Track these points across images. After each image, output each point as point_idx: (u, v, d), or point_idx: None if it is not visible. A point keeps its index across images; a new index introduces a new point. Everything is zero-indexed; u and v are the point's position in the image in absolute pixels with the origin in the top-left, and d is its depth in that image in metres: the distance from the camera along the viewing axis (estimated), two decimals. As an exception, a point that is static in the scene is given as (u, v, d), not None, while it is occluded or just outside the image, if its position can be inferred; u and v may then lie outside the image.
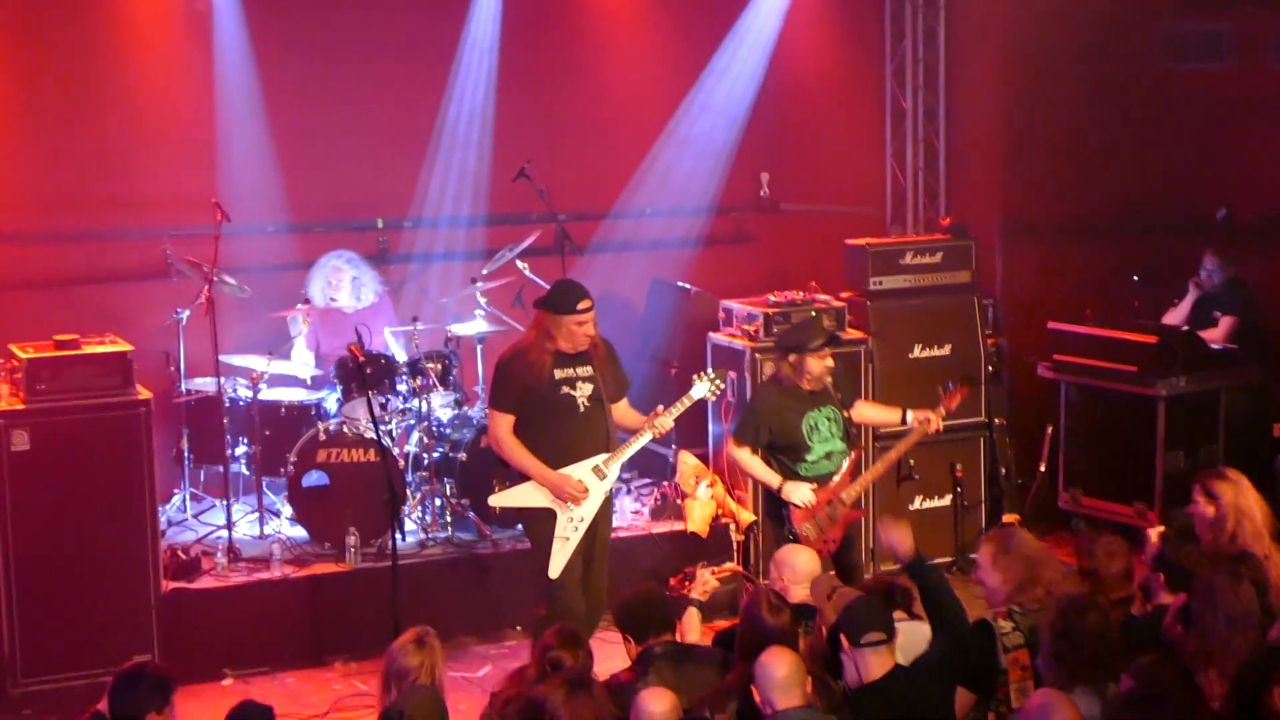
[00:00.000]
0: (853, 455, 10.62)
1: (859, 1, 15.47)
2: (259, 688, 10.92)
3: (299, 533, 12.19)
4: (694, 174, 14.72)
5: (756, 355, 12.58)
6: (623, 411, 10.34)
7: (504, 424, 10.07)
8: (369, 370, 11.94)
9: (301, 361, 12.89)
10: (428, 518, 12.41)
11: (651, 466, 13.55)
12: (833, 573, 10.59)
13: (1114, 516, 13.28)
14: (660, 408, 10.27)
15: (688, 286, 14.05)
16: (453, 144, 14.02)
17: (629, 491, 13.40)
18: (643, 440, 10.27)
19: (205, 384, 12.44)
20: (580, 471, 10.05)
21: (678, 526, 12.63)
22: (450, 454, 12.39)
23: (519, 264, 13.07)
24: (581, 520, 10.06)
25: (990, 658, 8.10)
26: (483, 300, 13.03)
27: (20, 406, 10.92)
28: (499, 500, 10.49)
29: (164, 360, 12.54)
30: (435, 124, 13.97)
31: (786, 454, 10.56)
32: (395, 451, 12.26)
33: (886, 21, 15.36)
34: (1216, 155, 15.09)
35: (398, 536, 10.62)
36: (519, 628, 11.92)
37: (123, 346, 11.27)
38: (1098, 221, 15.29)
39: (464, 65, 14.00)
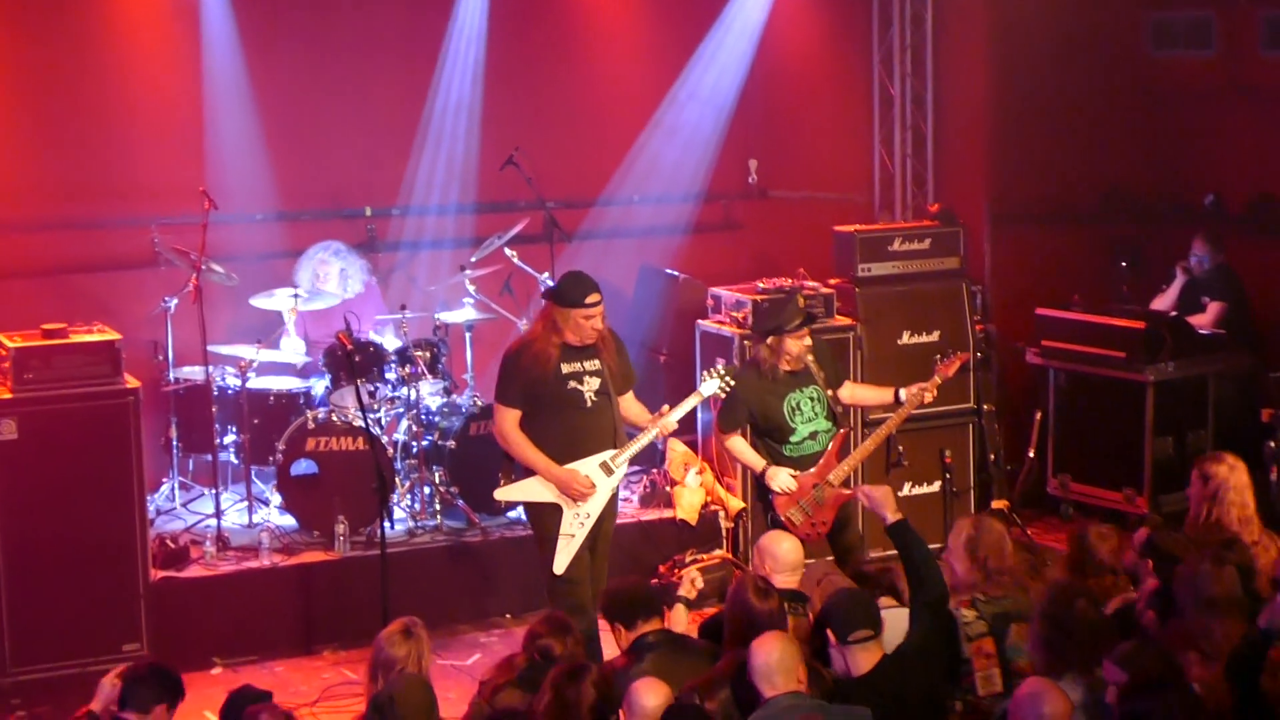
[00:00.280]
0: (839, 435, 10.57)
1: (847, -12, 15.50)
2: (248, 676, 10.87)
3: (288, 521, 12.17)
4: (682, 161, 14.71)
5: (745, 342, 12.57)
6: (627, 404, 10.23)
7: (510, 419, 9.94)
8: (357, 358, 11.93)
9: (292, 349, 12.86)
10: (417, 506, 12.41)
11: (641, 454, 13.47)
12: (831, 558, 10.63)
13: (1103, 502, 13.32)
14: (666, 407, 10.18)
15: (676, 274, 14.06)
16: (441, 132, 14.00)
17: (618, 478, 13.40)
18: (648, 437, 10.17)
19: (193, 373, 12.43)
20: (588, 467, 9.92)
21: (667, 514, 12.64)
22: (439, 442, 12.38)
23: (507, 252, 13.07)
24: (588, 516, 9.93)
25: (953, 648, 8.14)
26: (471, 288, 13.02)
27: (8, 396, 10.90)
28: (504, 494, 10.45)
29: (152, 349, 12.53)
30: (423, 112, 13.95)
31: (771, 436, 10.53)
32: (384, 439, 12.25)
33: (874, 8, 15.36)
34: (1204, 142, 15.15)
35: (387, 524, 10.64)
36: (508, 615, 11.95)
37: (111, 335, 11.26)
38: (1086, 207, 15.32)
39: (452, 53, 13.97)
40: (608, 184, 14.55)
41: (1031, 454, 13.54)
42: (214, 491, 12.14)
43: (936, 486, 13.01)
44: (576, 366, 9.90)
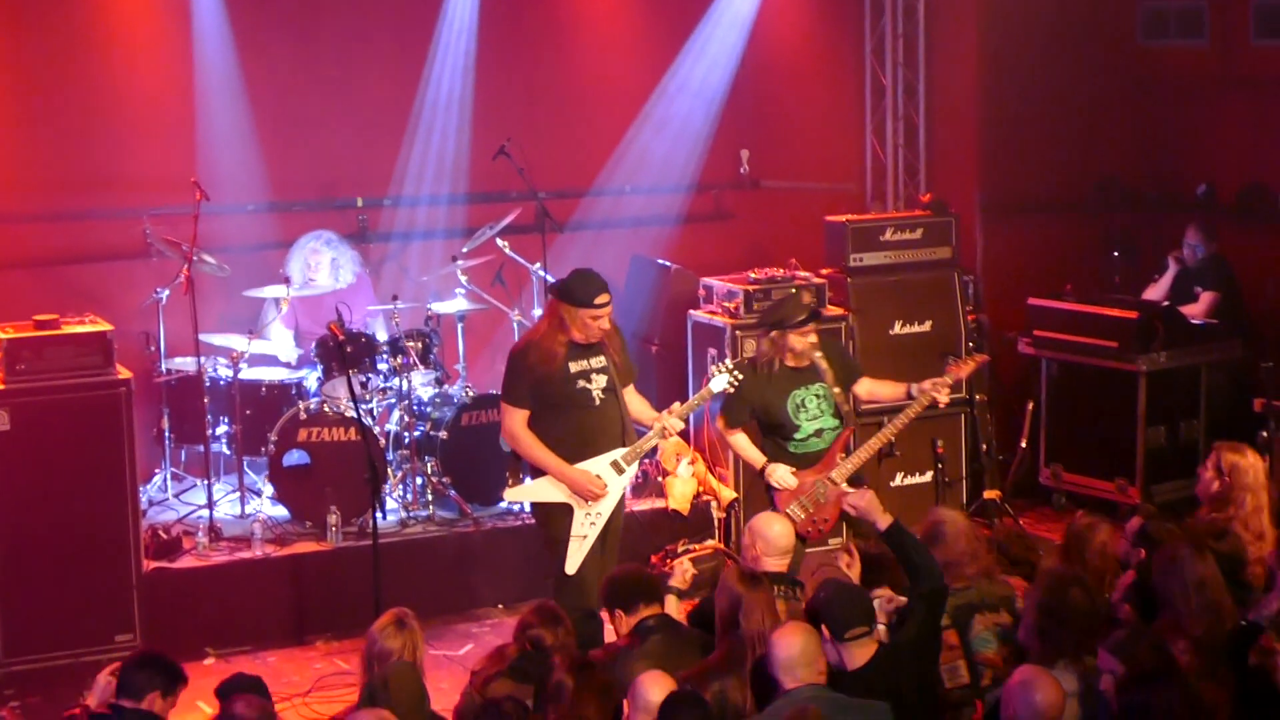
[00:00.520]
0: (844, 433, 10.42)
1: (838, -22, 15.49)
2: (240, 667, 10.88)
3: (280, 512, 12.17)
4: (674, 151, 14.70)
5: (737, 332, 12.59)
6: (629, 399, 10.13)
7: (519, 419, 9.83)
8: (349, 349, 11.93)
9: (280, 342, 12.86)
10: (409, 496, 12.41)
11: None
12: (829, 547, 10.60)
13: (1095, 492, 13.33)
14: (677, 404, 10.13)
15: (668, 264, 14.04)
16: (432, 122, 13.98)
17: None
18: (655, 438, 10.10)
19: (185, 363, 12.42)
20: (599, 466, 9.84)
21: (659, 504, 12.64)
22: (431, 432, 12.38)
23: (499, 242, 13.06)
24: (599, 515, 9.85)
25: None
26: (463, 278, 13.02)
27: (0, 387, 10.90)
28: (514, 495, 10.43)
29: (144, 340, 12.53)
30: (415, 102, 13.93)
31: (775, 433, 10.40)
32: (376, 430, 12.25)
33: (866, -2, 15.38)
34: (1196, 131, 15.16)
35: (379, 515, 10.64)
36: (500, 606, 11.96)
37: (103, 326, 11.25)
38: (1078, 197, 15.32)
39: (443, 44, 13.95)
40: (599, 174, 14.53)
41: (1024, 444, 13.55)
42: (206, 482, 12.14)
43: (929, 477, 13.04)
44: (584, 365, 9.81)
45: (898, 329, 13.17)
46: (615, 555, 10.11)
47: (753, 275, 12.97)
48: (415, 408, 12.46)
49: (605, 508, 9.87)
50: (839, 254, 13.28)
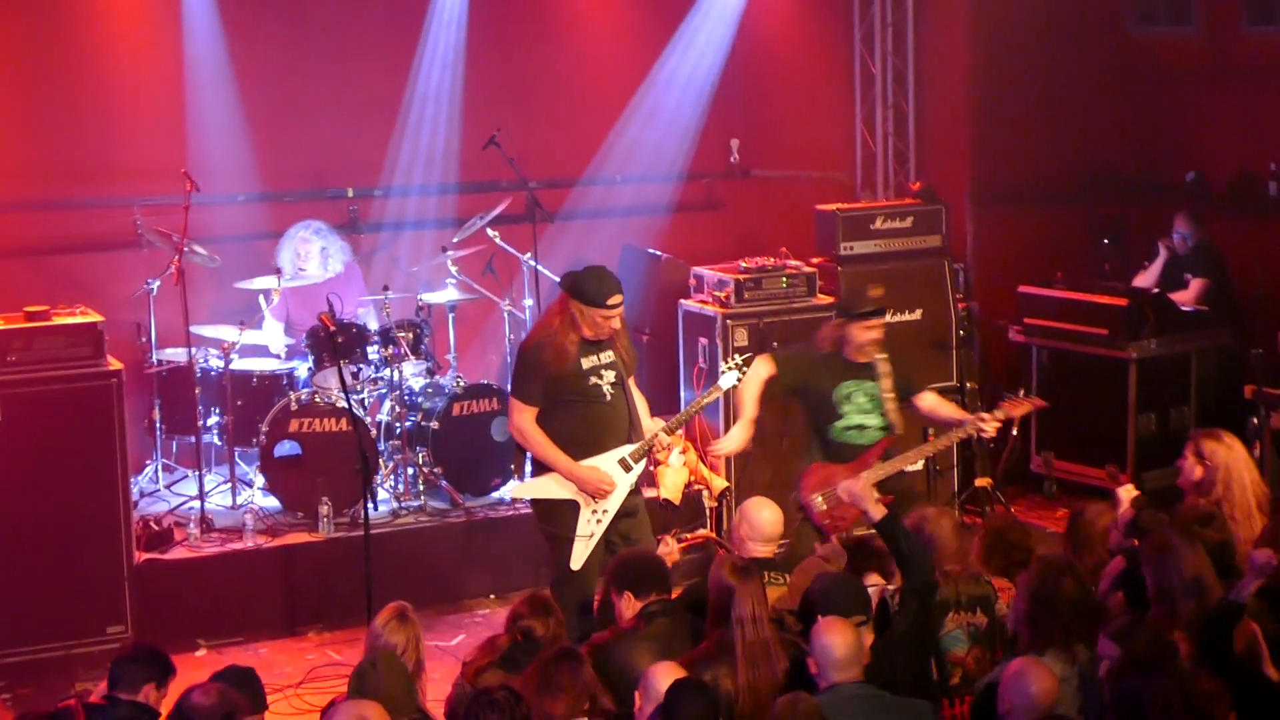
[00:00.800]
0: (885, 440, 10.32)
1: (827, -34, 15.49)
2: (233, 658, 10.84)
3: (271, 503, 12.17)
4: (664, 141, 14.70)
5: (728, 321, 12.59)
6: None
7: (528, 415, 9.73)
8: (340, 339, 11.93)
9: (271, 334, 12.86)
10: (400, 487, 12.41)
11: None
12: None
13: (1086, 479, 13.34)
14: (688, 405, 10.08)
15: (658, 253, 14.05)
16: (423, 113, 13.98)
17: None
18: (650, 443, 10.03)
19: (176, 354, 12.41)
20: (607, 464, 9.75)
21: (650, 494, 12.61)
22: (423, 423, 12.38)
23: (490, 232, 13.07)
24: (605, 513, 9.74)
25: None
26: (454, 269, 13.02)
27: (-10, 378, 10.91)
28: (520, 491, 10.40)
29: (135, 331, 12.52)
30: (405, 93, 13.93)
31: (815, 418, 10.37)
32: (367, 420, 12.26)
33: (855, -14, 15.38)
34: (1185, 119, 15.19)
35: (370, 506, 10.61)
36: (492, 596, 11.97)
37: (93, 317, 11.24)
38: (1068, 184, 15.34)
39: (434, 34, 13.95)
40: (590, 164, 14.54)
41: (1014, 432, 13.54)
42: (197, 473, 12.14)
43: (920, 465, 13.02)
44: (594, 360, 9.73)
45: (888, 317, 13.13)
46: (649, 536, 9.97)
47: (743, 264, 12.96)
48: (406, 398, 12.46)
49: (612, 505, 9.77)
50: (829, 243, 13.29)
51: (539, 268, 13.11)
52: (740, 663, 7.67)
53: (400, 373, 12.38)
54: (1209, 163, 14.92)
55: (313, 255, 13.01)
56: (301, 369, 12.45)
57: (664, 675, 7.23)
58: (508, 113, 13.72)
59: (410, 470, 12.43)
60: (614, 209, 14.69)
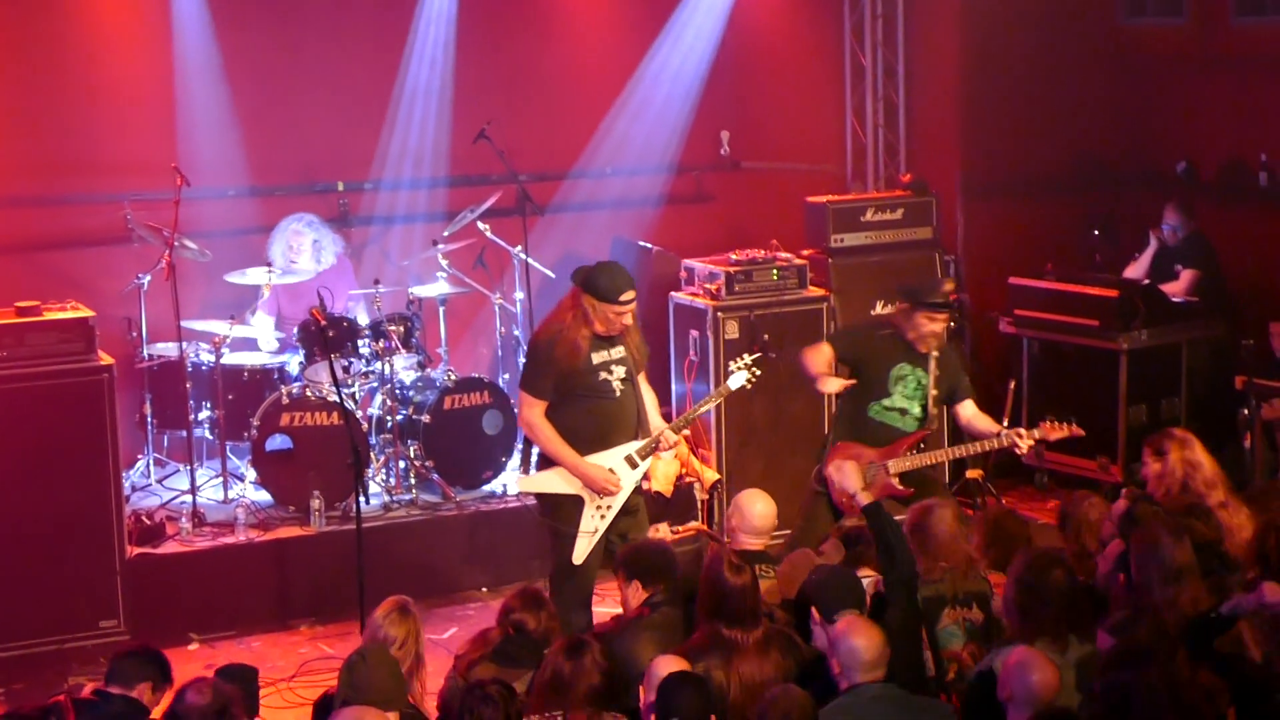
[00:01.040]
0: (920, 432, 10.38)
1: (817, -42, 15.48)
2: (225, 652, 10.94)
3: (263, 497, 12.18)
4: (654, 133, 14.67)
5: (719, 314, 12.60)
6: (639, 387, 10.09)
7: (538, 409, 9.71)
8: (331, 333, 11.93)
9: (262, 328, 12.86)
10: (392, 480, 12.42)
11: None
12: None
13: (1077, 470, 13.36)
14: (697, 404, 10.05)
15: (649, 246, 14.05)
16: (413, 106, 13.95)
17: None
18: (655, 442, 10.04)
19: (167, 349, 12.40)
20: (613, 460, 9.75)
21: (641, 486, 12.62)
22: (414, 416, 12.39)
23: (480, 225, 13.07)
24: (609, 509, 9.75)
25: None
26: (444, 262, 13.02)
27: (-18, 373, 10.90)
28: (525, 485, 10.39)
29: (126, 326, 12.51)
30: (395, 86, 13.89)
31: (863, 392, 10.38)
32: (358, 414, 12.25)
33: (845, -22, 15.38)
34: (1176, 110, 15.19)
35: (362, 499, 10.62)
36: (484, 589, 11.98)
37: (84, 312, 11.25)
38: (1058, 176, 15.34)
39: (423, 27, 13.92)
40: (580, 157, 14.51)
41: (1005, 423, 13.52)
42: (189, 468, 12.15)
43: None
44: (605, 355, 9.73)
45: (879, 309, 13.19)
46: (644, 532, 9.99)
47: (734, 257, 12.98)
48: (398, 391, 12.47)
49: (616, 502, 9.78)
50: (820, 235, 13.31)
51: (530, 261, 13.11)
52: (732, 656, 7.70)
53: (391, 366, 12.38)
54: (1199, 153, 14.92)
55: (305, 248, 13.00)
56: (293, 363, 12.45)
57: (666, 667, 7.26)
58: (498, 106, 13.71)
59: (402, 464, 12.43)
60: (604, 201, 14.68)
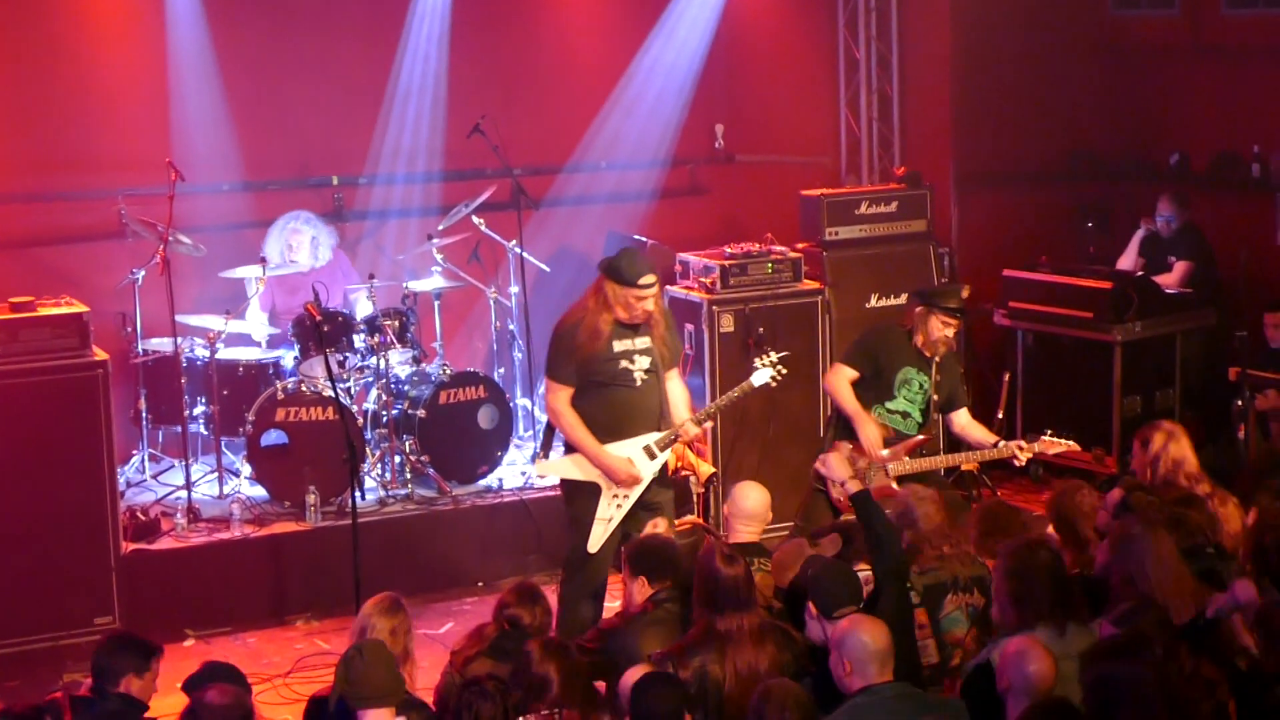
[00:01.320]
0: (920, 438, 10.44)
1: (811, -49, 15.47)
2: (220, 648, 10.94)
3: (259, 492, 12.18)
4: (648, 127, 14.66)
5: (714, 307, 12.60)
6: (671, 384, 10.09)
7: (563, 396, 9.76)
8: (326, 328, 11.92)
9: (256, 322, 12.85)
10: (387, 475, 12.42)
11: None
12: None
13: (1072, 462, 13.34)
14: (712, 404, 10.03)
15: (644, 239, 14.03)
16: (407, 100, 13.94)
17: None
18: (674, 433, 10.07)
19: (162, 344, 12.40)
20: (631, 449, 9.78)
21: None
22: (409, 411, 12.38)
23: (475, 219, 13.07)
24: (625, 498, 9.78)
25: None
26: (439, 256, 13.01)
27: (-24, 370, 10.89)
28: (543, 469, 10.41)
29: (120, 321, 12.50)
30: (389, 80, 13.89)
31: (868, 388, 10.46)
32: (354, 409, 12.25)
33: (838, -29, 15.36)
34: (1168, 100, 15.21)
35: (357, 494, 10.63)
36: (480, 584, 11.98)
37: (78, 308, 11.23)
38: (1051, 168, 15.36)
39: (417, 21, 13.91)
40: (574, 151, 14.51)
41: (1000, 415, 13.55)
42: (184, 463, 12.14)
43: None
44: (628, 344, 9.76)
45: (874, 302, 13.20)
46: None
47: (729, 250, 12.97)
48: (393, 386, 12.47)
49: (633, 492, 9.81)
50: (814, 228, 13.30)
51: (524, 254, 13.12)
52: (727, 649, 7.70)
53: (386, 361, 12.38)
54: (1191, 143, 14.93)
55: (303, 245, 13.00)
56: (288, 358, 12.45)
57: (634, 675, 7.29)
58: (492, 100, 13.70)
59: (397, 458, 12.43)
60: (599, 195, 14.68)
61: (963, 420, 10.70)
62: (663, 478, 10.08)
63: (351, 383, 12.42)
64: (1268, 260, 13.94)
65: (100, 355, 11.17)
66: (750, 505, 9.19)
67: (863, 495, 8.52)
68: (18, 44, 12.94)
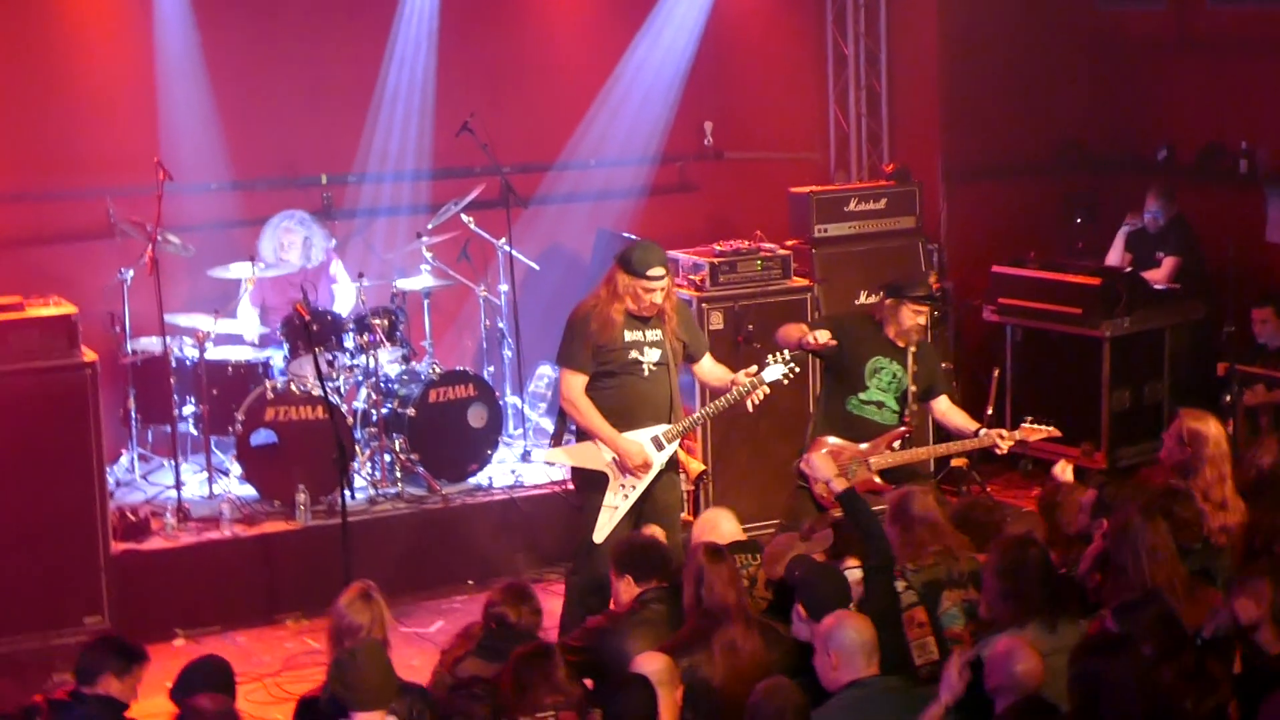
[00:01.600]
0: (900, 430, 10.40)
1: (799, -53, 15.48)
2: (210, 647, 10.91)
3: (248, 491, 12.17)
4: (637, 124, 14.68)
5: (703, 305, 12.59)
6: (708, 369, 10.19)
7: (578, 384, 9.80)
8: (315, 327, 11.91)
9: (247, 320, 12.85)
10: (377, 474, 12.42)
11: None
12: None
13: (1062, 457, 13.35)
14: (733, 390, 9.99)
15: (633, 237, 14.02)
16: (395, 99, 13.94)
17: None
18: (695, 420, 10.18)
19: (151, 344, 12.38)
20: (640, 439, 9.81)
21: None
22: (399, 409, 12.39)
23: (464, 218, 13.07)
24: (633, 488, 9.81)
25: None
26: (428, 255, 13.01)
27: (-35, 372, 10.87)
28: (549, 455, 10.44)
29: (109, 321, 12.47)
30: (378, 78, 13.88)
31: (840, 383, 10.43)
32: (343, 408, 12.26)
33: (827, -34, 15.37)
34: (1155, 93, 15.24)
35: (347, 493, 10.62)
36: (471, 582, 11.98)
37: (67, 308, 11.21)
38: (1040, 162, 15.39)
39: (405, 19, 13.91)
40: (563, 148, 14.52)
41: (990, 411, 13.56)
42: (173, 463, 12.13)
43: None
44: (639, 335, 9.81)
45: (863, 299, 13.18)
46: (677, 537, 9.83)
47: (718, 247, 12.96)
48: (382, 385, 12.46)
49: (641, 483, 9.83)
50: (804, 225, 13.30)
51: (514, 253, 13.12)
52: (717, 647, 7.71)
53: (376, 360, 12.38)
54: (1178, 137, 14.95)
55: (295, 245, 12.99)
56: (277, 357, 12.44)
57: (647, 664, 7.29)
58: (480, 98, 13.71)
59: (387, 457, 12.43)
60: (588, 193, 14.69)
61: (943, 406, 10.69)
62: (674, 477, 10.12)
63: (341, 382, 12.42)
64: (1255, 254, 13.95)
65: (89, 356, 11.14)
66: (724, 534, 9.10)
67: (849, 493, 8.55)
68: (6, 45, 12.92)
